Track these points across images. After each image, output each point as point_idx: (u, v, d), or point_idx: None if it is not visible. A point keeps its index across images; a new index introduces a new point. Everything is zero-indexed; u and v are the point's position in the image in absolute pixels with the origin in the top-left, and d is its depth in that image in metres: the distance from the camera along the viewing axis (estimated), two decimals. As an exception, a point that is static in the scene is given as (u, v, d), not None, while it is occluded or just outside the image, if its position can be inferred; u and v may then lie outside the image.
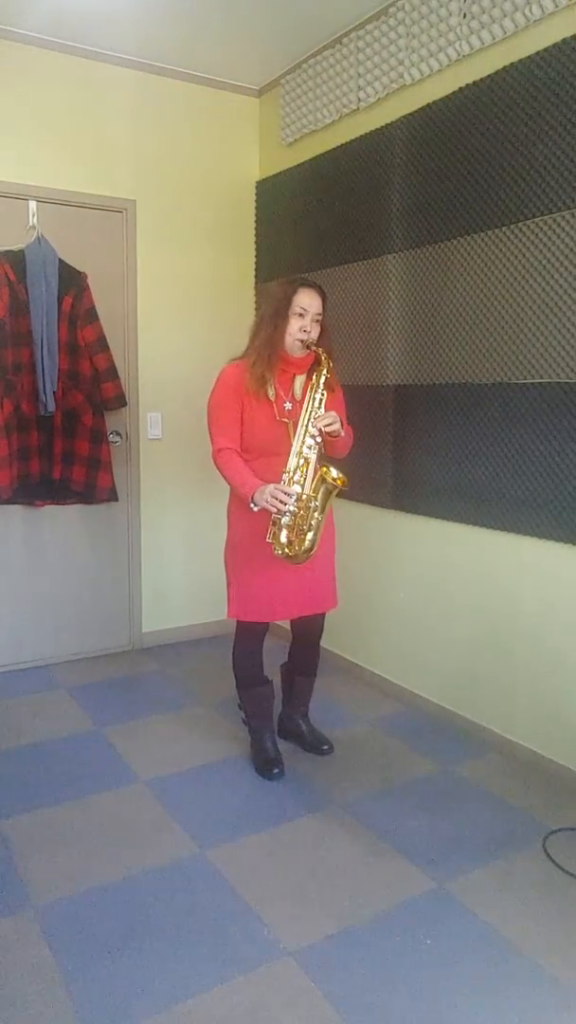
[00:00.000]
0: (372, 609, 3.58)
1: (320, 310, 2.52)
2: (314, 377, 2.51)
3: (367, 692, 3.52)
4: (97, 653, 3.98)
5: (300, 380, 2.58)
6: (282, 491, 2.35)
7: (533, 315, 2.66)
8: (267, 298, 2.58)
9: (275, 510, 2.36)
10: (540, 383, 2.66)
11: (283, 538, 2.45)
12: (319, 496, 2.44)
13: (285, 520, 2.43)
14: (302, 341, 2.50)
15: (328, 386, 2.53)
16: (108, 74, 3.66)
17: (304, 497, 2.42)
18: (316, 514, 2.44)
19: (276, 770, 2.73)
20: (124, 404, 3.78)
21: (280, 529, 2.45)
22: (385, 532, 3.45)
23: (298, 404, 2.54)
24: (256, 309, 4.16)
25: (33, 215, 3.53)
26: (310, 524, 2.44)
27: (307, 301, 2.49)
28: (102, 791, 2.66)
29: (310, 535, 2.44)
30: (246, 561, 2.61)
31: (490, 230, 2.79)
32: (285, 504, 2.35)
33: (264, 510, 2.39)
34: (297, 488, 2.42)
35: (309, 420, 2.47)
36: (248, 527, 2.56)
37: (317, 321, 2.52)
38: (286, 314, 2.48)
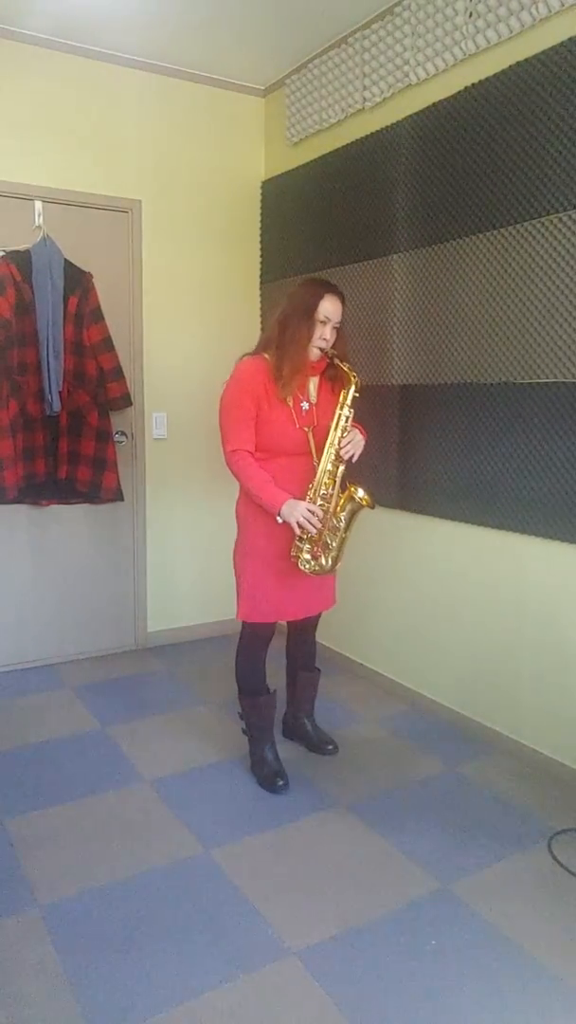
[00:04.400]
0: (378, 609, 3.57)
1: (340, 317, 2.52)
2: (341, 396, 2.52)
3: (372, 692, 3.51)
4: (102, 652, 3.99)
5: (314, 381, 2.59)
6: (315, 513, 2.41)
7: (540, 315, 2.66)
8: (291, 300, 2.52)
9: (299, 531, 2.41)
10: (546, 383, 2.65)
11: (307, 554, 2.50)
12: (345, 513, 2.48)
13: (305, 544, 2.48)
14: (321, 349, 2.51)
15: (346, 393, 2.52)
16: (114, 74, 3.67)
17: (329, 514, 2.48)
18: (342, 532, 2.49)
19: (281, 782, 2.66)
20: (130, 404, 3.78)
21: (304, 545, 2.49)
22: (390, 532, 3.44)
23: (314, 406, 2.56)
24: (263, 309, 4.17)
25: (39, 215, 3.53)
26: (337, 541, 2.49)
27: (331, 310, 2.47)
28: (107, 790, 2.67)
29: (335, 551, 2.50)
30: (260, 563, 2.60)
31: (496, 229, 2.78)
32: (315, 527, 2.41)
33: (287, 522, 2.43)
34: (322, 506, 2.46)
35: (337, 439, 2.48)
36: (264, 529, 2.55)
37: (335, 328, 2.53)
38: (311, 320, 2.46)
